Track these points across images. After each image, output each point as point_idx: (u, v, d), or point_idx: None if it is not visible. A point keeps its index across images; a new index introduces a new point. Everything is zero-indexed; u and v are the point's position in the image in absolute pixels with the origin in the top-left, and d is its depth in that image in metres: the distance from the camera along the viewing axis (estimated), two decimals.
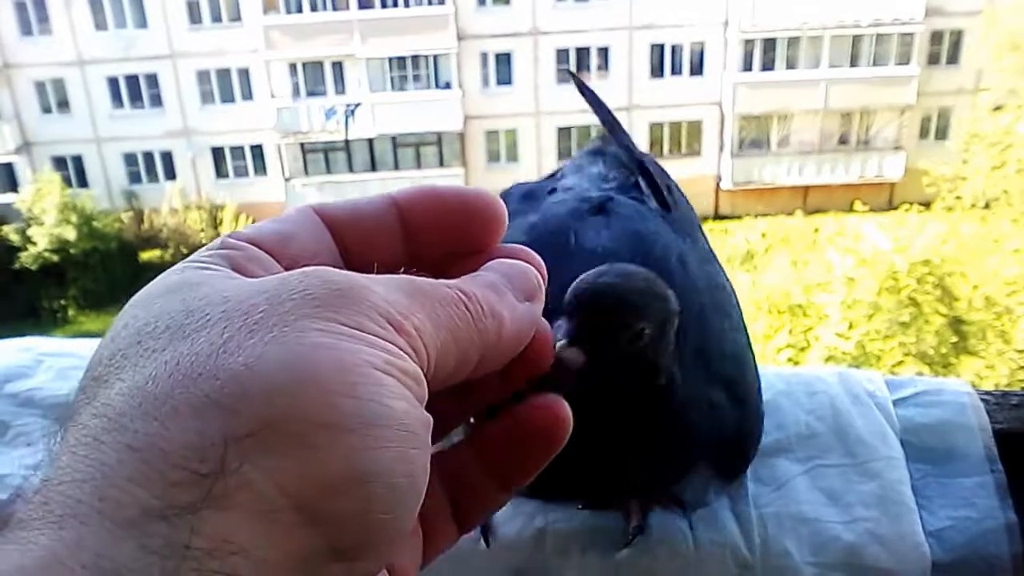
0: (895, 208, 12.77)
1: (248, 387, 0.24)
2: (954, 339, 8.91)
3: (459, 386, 0.30)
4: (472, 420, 0.36)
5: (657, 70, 14.76)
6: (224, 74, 14.82)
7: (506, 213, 0.33)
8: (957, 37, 14.41)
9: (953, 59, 14.59)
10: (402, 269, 0.31)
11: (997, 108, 12.07)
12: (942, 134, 14.66)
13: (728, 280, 0.64)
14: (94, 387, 0.26)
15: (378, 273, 0.29)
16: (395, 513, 0.25)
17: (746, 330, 0.63)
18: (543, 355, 0.33)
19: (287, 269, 0.30)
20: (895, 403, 0.67)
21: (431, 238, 0.33)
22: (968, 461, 0.63)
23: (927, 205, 11.94)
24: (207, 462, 0.23)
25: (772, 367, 0.71)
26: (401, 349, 0.26)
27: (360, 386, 0.25)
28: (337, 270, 0.27)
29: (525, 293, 0.32)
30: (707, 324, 0.58)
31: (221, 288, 0.27)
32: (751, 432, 0.61)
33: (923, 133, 14.98)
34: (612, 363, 0.47)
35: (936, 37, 14.45)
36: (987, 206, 11.59)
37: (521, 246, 0.34)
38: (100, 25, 14.52)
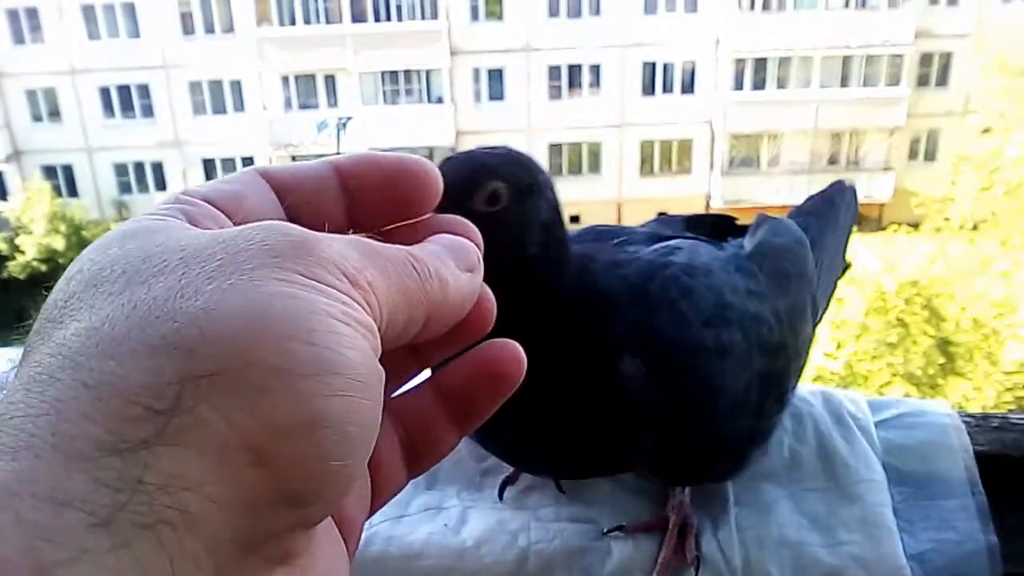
0: (884, 228, 12.83)
1: (206, 329, 0.24)
2: (942, 360, 8.93)
3: (407, 349, 0.32)
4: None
5: (648, 88, 14.84)
6: (216, 85, 14.83)
7: (441, 180, 0.35)
8: (946, 59, 14.53)
9: (942, 81, 14.71)
10: (350, 231, 0.32)
11: (986, 130, 12.15)
12: (931, 155, 14.77)
13: (791, 338, 0.64)
14: (49, 328, 0.26)
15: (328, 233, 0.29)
16: (345, 460, 0.25)
17: (768, 388, 0.62)
18: (484, 321, 0.34)
19: (290, 211, 0.32)
20: (877, 425, 0.67)
21: (370, 202, 0.34)
22: (950, 484, 0.63)
23: (916, 226, 12.00)
24: (162, 399, 0.23)
25: None
26: (356, 301, 0.27)
27: (316, 333, 0.25)
28: (293, 225, 0.28)
29: (466, 264, 0.33)
30: (688, 332, 0.58)
31: (178, 237, 0.27)
32: (704, 451, 0.61)
33: (912, 154, 15.08)
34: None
35: (926, 59, 14.57)
36: (975, 228, 11.65)
37: (459, 217, 0.35)
38: (93, 35, 14.52)
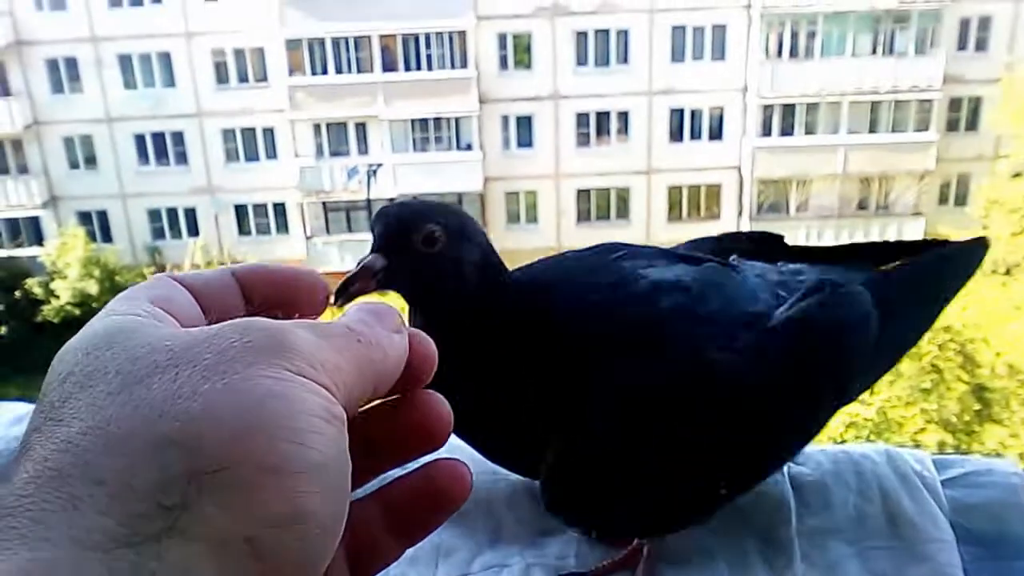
0: None
1: (206, 429, 0.26)
2: (977, 406, 8.80)
3: (362, 456, 0.33)
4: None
5: (676, 134, 14.88)
6: (249, 133, 15.05)
7: (327, 287, 0.38)
8: (976, 104, 14.48)
9: (972, 126, 14.65)
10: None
11: (1016, 175, 12.08)
12: (961, 200, 14.65)
13: (783, 420, 0.62)
14: (51, 426, 0.27)
15: None
16: (320, 550, 0.28)
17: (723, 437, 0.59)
18: (428, 367, 0.36)
19: (204, 311, 0.35)
20: (944, 483, 0.67)
21: (264, 305, 0.37)
22: (1020, 543, 0.62)
23: None
24: (171, 495, 0.25)
25: (821, 447, 0.69)
26: (331, 392, 0.29)
27: (303, 432, 0.27)
28: (264, 319, 0.30)
29: (393, 326, 0.35)
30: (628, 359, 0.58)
31: (159, 336, 0.30)
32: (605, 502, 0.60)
33: (942, 199, 14.98)
34: (412, 265, 0.52)
35: (955, 104, 14.53)
36: (1008, 272, 11.53)
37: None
38: (129, 84, 14.81)
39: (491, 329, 0.56)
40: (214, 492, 0.26)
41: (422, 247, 0.52)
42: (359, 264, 0.49)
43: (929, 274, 0.69)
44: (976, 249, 0.71)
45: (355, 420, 0.35)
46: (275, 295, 0.37)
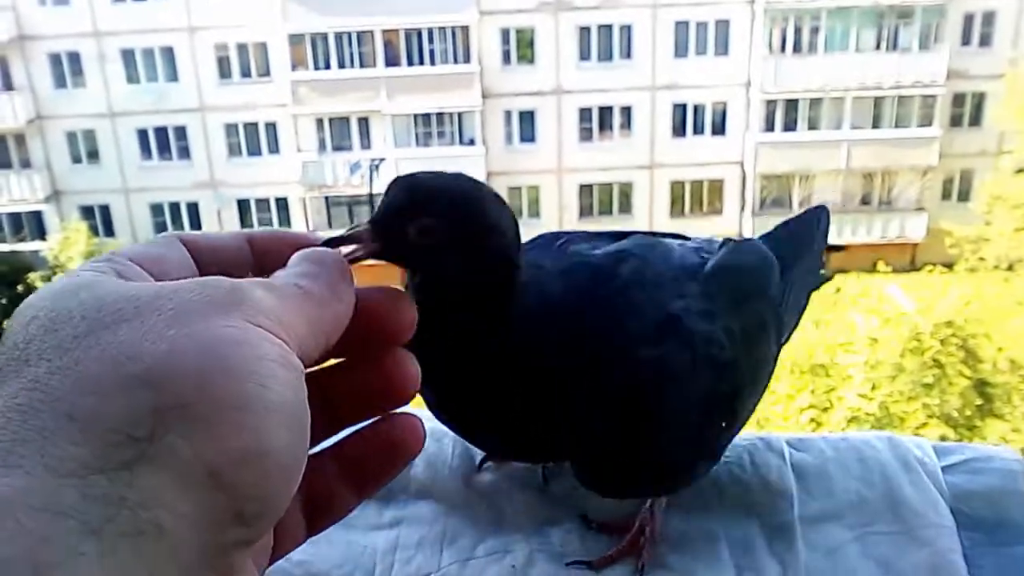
0: (917, 269, 12.73)
1: (172, 369, 0.28)
2: (979, 401, 8.81)
3: (324, 410, 0.36)
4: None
5: (679, 129, 14.89)
6: (252, 128, 15.07)
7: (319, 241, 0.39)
8: (979, 99, 14.48)
9: (975, 121, 14.65)
10: None
11: (1020, 170, 12.08)
12: (964, 196, 14.66)
13: (744, 357, 0.65)
14: (16, 365, 0.29)
15: None
16: (281, 488, 0.30)
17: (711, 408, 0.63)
18: (404, 331, 0.38)
19: (201, 272, 0.36)
20: (944, 470, 0.67)
21: (273, 261, 0.38)
22: (1020, 529, 0.63)
23: (950, 266, 11.90)
24: (140, 428, 0.27)
25: (820, 433, 0.71)
26: (286, 343, 0.31)
27: (262, 376, 0.29)
28: (223, 277, 0.32)
29: (337, 277, 0.36)
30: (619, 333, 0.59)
31: (124, 288, 0.31)
32: (635, 465, 0.62)
33: (945, 194, 14.98)
34: (404, 252, 0.48)
35: (958, 99, 14.53)
36: (1010, 268, 11.54)
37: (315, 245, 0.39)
38: (132, 78, 14.83)
39: (497, 325, 0.54)
40: (179, 426, 0.27)
41: (416, 238, 0.47)
42: (350, 230, 0.45)
43: (798, 228, 0.81)
44: (820, 211, 0.84)
45: (325, 374, 0.38)
46: (287, 257, 0.37)
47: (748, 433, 0.70)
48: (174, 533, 0.27)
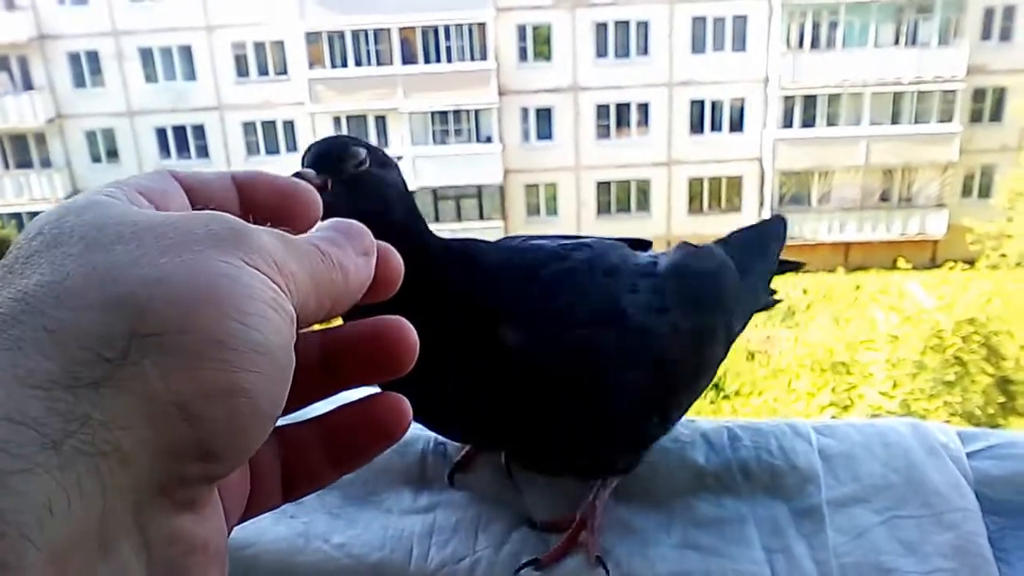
0: (938, 266, 12.65)
1: (157, 295, 0.28)
2: (1001, 399, 8.75)
3: (320, 370, 0.36)
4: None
5: (697, 126, 14.85)
6: (269, 126, 15.13)
7: (321, 205, 0.40)
8: (1000, 94, 14.36)
9: (996, 117, 14.53)
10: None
11: None
12: (985, 192, 14.55)
13: (692, 358, 0.68)
14: (10, 277, 0.29)
15: None
16: (251, 431, 0.29)
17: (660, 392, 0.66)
18: (393, 282, 0.38)
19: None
20: (969, 455, 0.68)
21: (260, 212, 0.37)
22: None
23: (971, 263, 11.81)
24: (112, 349, 0.27)
25: (846, 419, 0.72)
26: (282, 289, 0.31)
27: (250, 315, 0.29)
28: (233, 216, 0.32)
29: (362, 248, 0.36)
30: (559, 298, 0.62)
31: (129, 212, 0.31)
32: (560, 446, 0.64)
33: (966, 191, 14.87)
34: (345, 186, 0.57)
35: (979, 95, 14.42)
36: None
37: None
38: (150, 77, 14.93)
39: (418, 269, 0.57)
40: (154, 353, 0.27)
41: (352, 168, 0.57)
42: (295, 174, 0.52)
43: (753, 237, 0.82)
44: (776, 220, 0.85)
45: (324, 332, 0.38)
46: (273, 205, 0.38)
47: (775, 419, 0.72)
48: (134, 457, 0.26)
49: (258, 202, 0.38)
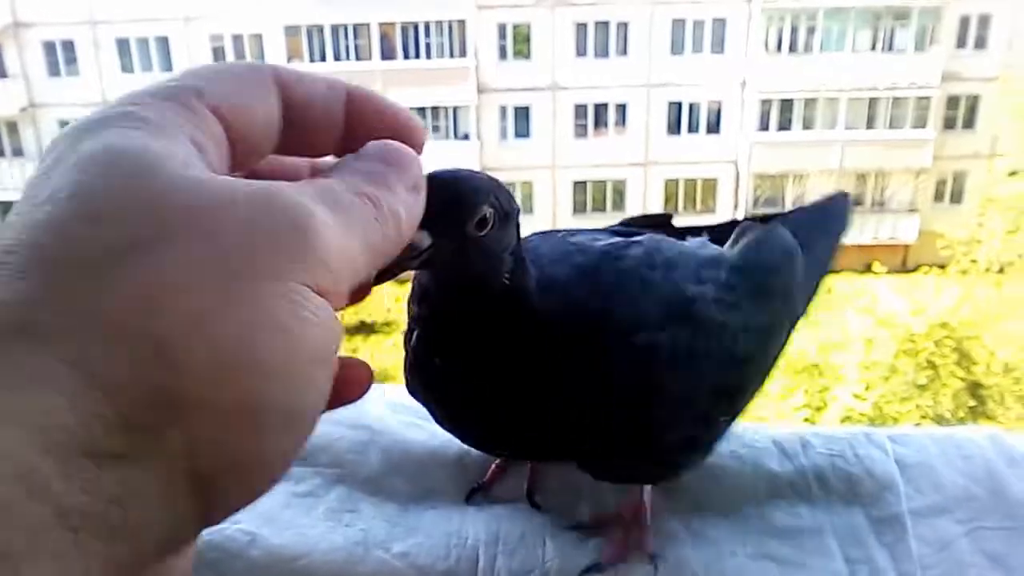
0: (910, 270, 12.77)
1: (196, 345, 0.24)
2: (972, 403, 8.86)
3: None
4: None
5: (674, 127, 14.88)
6: None
7: (425, 140, 0.37)
8: (973, 102, 14.51)
9: (969, 124, 14.68)
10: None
11: (1013, 173, 12.14)
12: (957, 198, 14.71)
13: (758, 354, 0.65)
14: (29, 208, 0.26)
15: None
16: (260, 493, 0.27)
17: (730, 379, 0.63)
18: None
19: (232, 143, 0.31)
20: None
21: (360, 132, 0.35)
22: None
23: (942, 268, 11.95)
24: (140, 413, 0.24)
25: (923, 429, 0.71)
26: (341, 294, 0.28)
27: (295, 377, 0.26)
28: (288, 193, 0.28)
29: (413, 182, 0.33)
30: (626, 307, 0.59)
31: (181, 185, 0.26)
32: (633, 451, 0.61)
33: (938, 196, 15.01)
34: (459, 248, 0.48)
35: (952, 102, 14.56)
36: (1001, 270, 11.60)
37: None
38: (126, 68, 14.73)
39: (516, 316, 0.54)
40: (182, 421, 0.24)
41: (474, 231, 0.48)
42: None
43: (816, 215, 0.80)
44: (840, 198, 0.82)
45: None
46: (378, 130, 0.35)
47: (848, 427, 0.70)
48: (139, 534, 0.24)
49: (365, 128, 0.35)
